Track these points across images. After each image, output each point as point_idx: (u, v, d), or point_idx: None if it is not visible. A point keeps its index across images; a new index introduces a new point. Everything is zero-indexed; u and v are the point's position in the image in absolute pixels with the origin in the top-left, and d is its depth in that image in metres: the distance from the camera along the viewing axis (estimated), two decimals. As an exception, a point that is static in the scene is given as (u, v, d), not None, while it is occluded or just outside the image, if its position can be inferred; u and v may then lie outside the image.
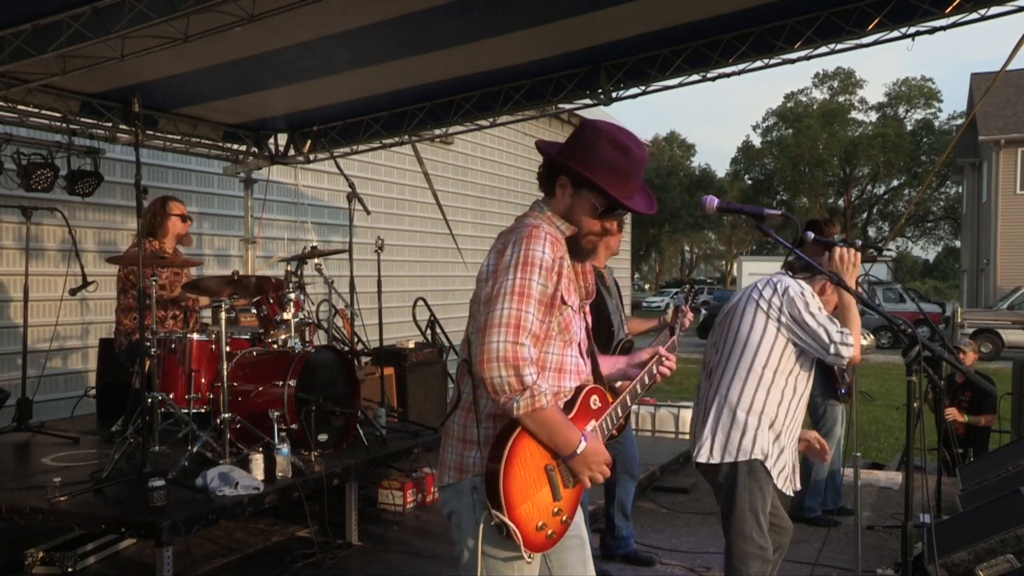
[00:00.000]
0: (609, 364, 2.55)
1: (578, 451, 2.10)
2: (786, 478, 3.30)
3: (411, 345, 7.04)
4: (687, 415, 7.81)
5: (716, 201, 2.60)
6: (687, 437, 7.00)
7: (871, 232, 47.01)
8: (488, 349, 1.99)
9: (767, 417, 3.21)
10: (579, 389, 2.24)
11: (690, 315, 3.25)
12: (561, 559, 2.25)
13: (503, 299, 2.03)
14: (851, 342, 3.16)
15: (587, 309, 2.39)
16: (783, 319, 3.23)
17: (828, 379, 5.33)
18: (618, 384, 2.51)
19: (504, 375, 1.99)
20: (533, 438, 2.08)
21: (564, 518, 2.18)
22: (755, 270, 25.31)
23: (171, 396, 4.64)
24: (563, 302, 2.14)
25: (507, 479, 2.04)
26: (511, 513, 2.04)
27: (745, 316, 3.30)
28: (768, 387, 3.22)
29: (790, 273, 3.40)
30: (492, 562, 2.13)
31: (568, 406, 2.19)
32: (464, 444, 2.17)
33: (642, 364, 2.52)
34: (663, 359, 2.49)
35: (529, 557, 2.12)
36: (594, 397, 2.26)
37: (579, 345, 2.28)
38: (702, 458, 3.27)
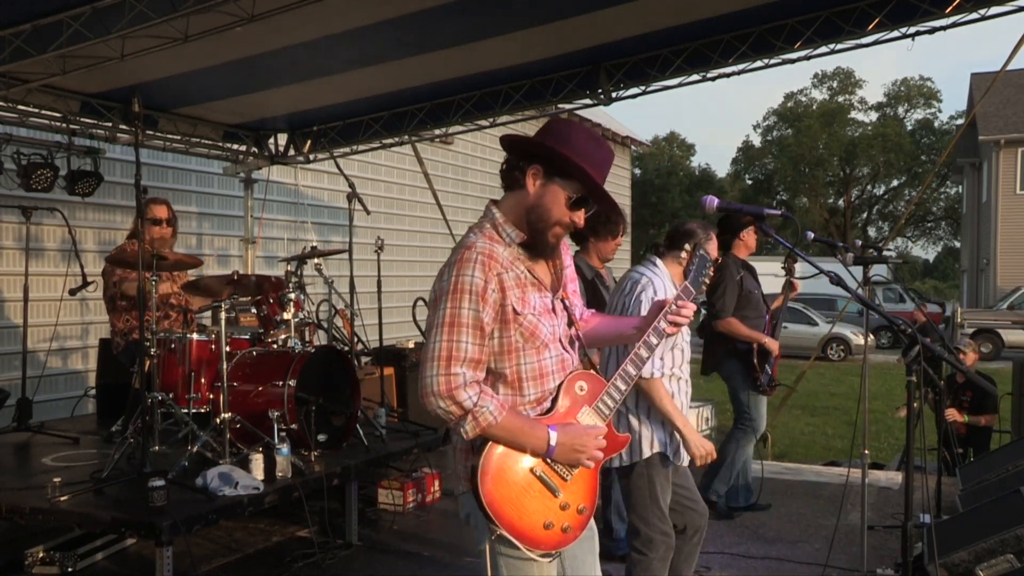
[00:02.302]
0: (608, 326, 2.50)
1: (552, 445, 2.10)
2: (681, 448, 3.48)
3: (411, 345, 7.04)
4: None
5: (716, 201, 2.61)
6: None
7: (871, 232, 47.01)
8: (423, 384, 2.07)
9: (656, 413, 3.39)
10: (559, 384, 2.20)
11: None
12: (571, 549, 2.24)
13: (435, 331, 2.08)
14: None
15: (567, 294, 2.31)
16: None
17: (746, 368, 5.27)
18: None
19: (443, 406, 2.05)
20: (508, 447, 2.10)
21: (579, 507, 2.18)
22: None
23: (171, 396, 4.64)
24: (516, 313, 2.12)
25: (489, 496, 2.06)
26: (508, 524, 2.07)
27: None
28: None
29: (654, 261, 3.55)
30: (512, 563, 2.15)
31: (553, 403, 2.18)
32: (465, 455, 2.18)
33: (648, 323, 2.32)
34: (672, 309, 2.26)
35: (542, 556, 2.14)
36: (579, 383, 2.22)
37: (560, 341, 2.24)
38: (615, 463, 3.43)
